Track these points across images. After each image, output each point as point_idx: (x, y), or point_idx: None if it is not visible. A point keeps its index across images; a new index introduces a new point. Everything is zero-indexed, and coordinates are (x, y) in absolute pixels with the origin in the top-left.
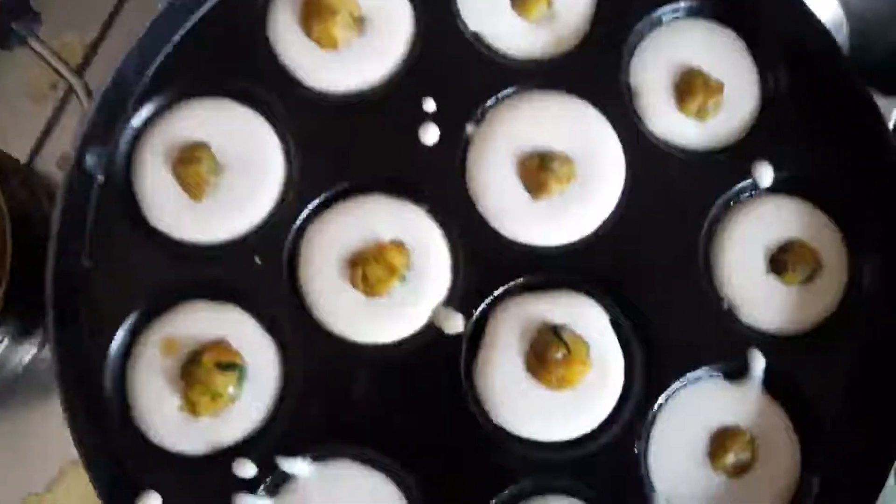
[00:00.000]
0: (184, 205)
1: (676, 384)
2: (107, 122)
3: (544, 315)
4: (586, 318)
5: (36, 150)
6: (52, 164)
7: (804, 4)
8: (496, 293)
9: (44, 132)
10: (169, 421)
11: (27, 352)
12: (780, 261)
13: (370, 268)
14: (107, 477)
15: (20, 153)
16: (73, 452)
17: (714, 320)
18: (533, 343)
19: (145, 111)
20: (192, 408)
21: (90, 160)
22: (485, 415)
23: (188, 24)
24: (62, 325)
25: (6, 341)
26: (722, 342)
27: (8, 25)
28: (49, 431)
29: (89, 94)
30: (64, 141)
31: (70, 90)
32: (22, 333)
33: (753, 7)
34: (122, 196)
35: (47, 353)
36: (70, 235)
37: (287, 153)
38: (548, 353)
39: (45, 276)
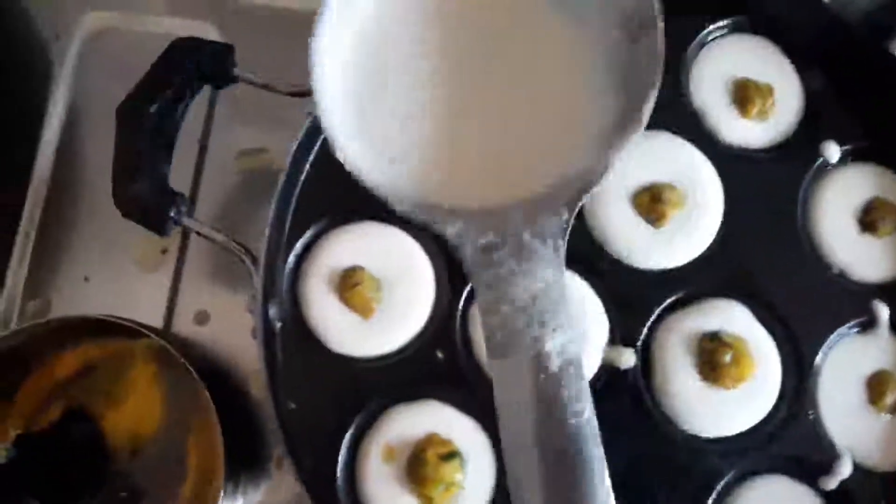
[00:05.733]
0: (357, 324)
1: (822, 349)
2: (272, 277)
3: (699, 326)
4: (732, 317)
5: (168, 316)
6: (186, 324)
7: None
8: (650, 320)
9: (170, 297)
10: None
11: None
12: (868, 221)
13: None
14: None
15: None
16: None
17: (831, 286)
18: (700, 354)
19: (294, 254)
20: (429, 502)
21: (272, 312)
22: (675, 427)
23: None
24: (297, 463)
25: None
26: (845, 303)
27: (166, 214)
28: None
29: (254, 259)
30: (187, 301)
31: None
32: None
33: (783, 15)
34: (299, 333)
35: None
36: (274, 382)
37: (430, 256)
38: (717, 358)
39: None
